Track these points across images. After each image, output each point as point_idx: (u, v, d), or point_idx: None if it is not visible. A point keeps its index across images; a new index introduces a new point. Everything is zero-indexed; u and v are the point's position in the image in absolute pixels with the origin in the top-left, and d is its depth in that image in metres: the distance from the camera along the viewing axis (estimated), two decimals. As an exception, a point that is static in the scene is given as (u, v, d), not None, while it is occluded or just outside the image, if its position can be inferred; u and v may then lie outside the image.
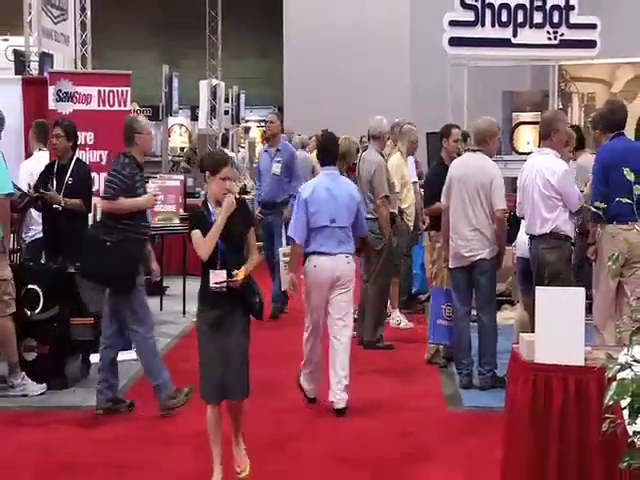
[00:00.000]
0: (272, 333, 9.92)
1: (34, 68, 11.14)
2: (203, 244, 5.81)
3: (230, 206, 5.83)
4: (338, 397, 7.46)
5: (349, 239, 7.67)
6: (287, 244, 10.10)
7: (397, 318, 10.84)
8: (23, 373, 7.98)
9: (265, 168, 11.53)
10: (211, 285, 5.76)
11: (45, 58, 11.13)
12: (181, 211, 11.51)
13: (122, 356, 8.04)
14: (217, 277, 5.76)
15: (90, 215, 8.72)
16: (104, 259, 7.30)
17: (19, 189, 8.41)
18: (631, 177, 3.85)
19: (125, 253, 7.34)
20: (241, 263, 5.87)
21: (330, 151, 7.99)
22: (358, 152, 10.54)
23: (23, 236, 9.06)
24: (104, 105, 9.31)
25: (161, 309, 11.58)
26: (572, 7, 10.93)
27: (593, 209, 3.86)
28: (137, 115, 10.45)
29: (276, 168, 11.22)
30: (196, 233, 5.85)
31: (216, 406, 5.83)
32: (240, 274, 5.77)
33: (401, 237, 10.37)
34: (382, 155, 9.92)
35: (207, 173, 5.95)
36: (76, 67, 12.93)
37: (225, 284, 5.74)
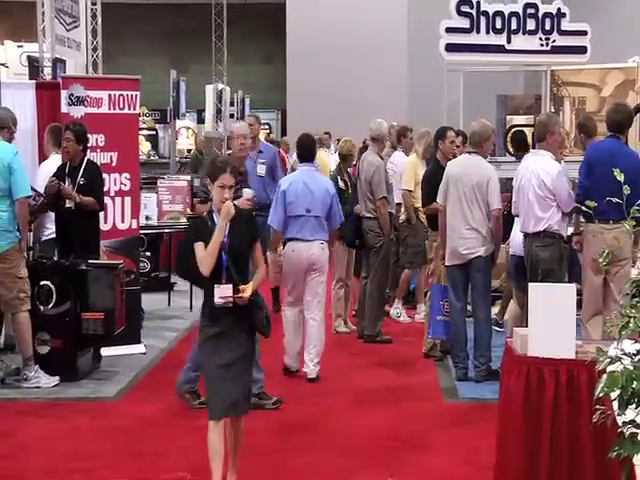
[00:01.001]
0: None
1: (47, 73, 11.12)
2: (204, 259, 5.31)
3: (227, 214, 5.30)
4: (311, 369, 8.19)
5: (323, 228, 8.27)
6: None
7: (398, 309, 10.81)
8: (37, 366, 7.99)
9: (251, 170, 11.15)
10: (216, 300, 5.29)
11: (58, 63, 11.11)
12: (188, 210, 11.50)
13: (131, 349, 8.05)
14: (223, 292, 5.29)
15: (101, 214, 8.73)
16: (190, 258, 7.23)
17: (34, 190, 8.42)
18: (621, 178, 3.84)
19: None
20: (247, 277, 5.43)
21: (307, 150, 8.72)
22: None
23: (40, 235, 9.07)
24: (114, 109, 9.30)
25: (169, 304, 11.59)
26: (563, 15, 10.90)
27: (584, 208, 3.84)
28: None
29: (260, 169, 10.73)
30: (198, 246, 5.33)
31: (220, 422, 5.36)
32: (247, 290, 5.30)
33: (417, 235, 10.32)
34: (381, 157, 9.91)
35: (208, 180, 5.52)
36: (87, 72, 12.90)
37: (231, 299, 5.29)
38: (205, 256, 5.30)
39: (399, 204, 10.75)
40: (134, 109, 9.48)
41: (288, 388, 7.80)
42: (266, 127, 26.03)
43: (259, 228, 5.79)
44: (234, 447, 5.52)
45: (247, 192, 7.31)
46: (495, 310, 9.63)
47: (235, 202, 5.52)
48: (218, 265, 5.30)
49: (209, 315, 5.40)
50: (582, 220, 7.71)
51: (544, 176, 7.71)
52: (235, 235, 5.36)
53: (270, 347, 9.10)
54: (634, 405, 3.23)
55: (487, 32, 10.79)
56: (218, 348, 5.34)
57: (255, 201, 10.77)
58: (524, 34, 10.88)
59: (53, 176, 8.55)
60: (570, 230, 8.08)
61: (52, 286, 8.16)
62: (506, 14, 10.85)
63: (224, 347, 5.33)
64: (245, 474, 5.91)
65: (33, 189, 8.35)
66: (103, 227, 8.95)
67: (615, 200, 3.92)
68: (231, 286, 5.28)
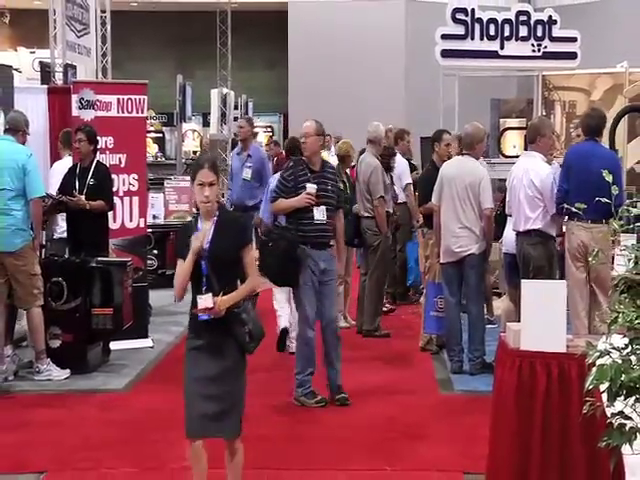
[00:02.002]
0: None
1: (59, 78, 11.13)
2: (175, 281, 4.79)
3: (197, 250, 4.68)
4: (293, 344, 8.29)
5: None
6: (256, 248, 10.05)
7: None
8: (49, 359, 7.99)
9: (236, 171, 10.96)
10: (197, 311, 4.75)
11: (69, 69, 11.12)
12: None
13: (139, 344, 8.04)
14: (202, 303, 4.70)
15: (110, 214, 8.73)
16: (266, 259, 7.19)
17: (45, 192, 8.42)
18: (609, 178, 3.83)
19: (278, 253, 7.17)
20: (233, 286, 4.79)
21: (295, 152, 8.80)
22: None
23: (52, 233, 9.07)
24: (123, 112, 9.30)
25: (175, 300, 11.55)
26: (554, 22, 10.91)
27: (574, 209, 3.84)
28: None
29: (246, 174, 10.65)
30: (179, 262, 4.79)
31: (196, 443, 4.84)
32: (222, 303, 4.68)
33: None
34: (378, 158, 9.90)
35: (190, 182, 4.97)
36: (97, 77, 12.91)
37: (210, 311, 4.71)
38: (176, 277, 4.80)
39: (400, 204, 10.76)
40: (142, 112, 9.48)
41: (289, 380, 7.79)
42: (269, 129, 26.03)
43: (248, 231, 5.18)
44: (230, 473, 5.03)
45: (310, 187, 7.18)
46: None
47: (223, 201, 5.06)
48: (198, 274, 4.74)
49: (192, 326, 4.91)
50: (565, 219, 7.72)
51: (533, 177, 7.73)
52: (219, 240, 4.75)
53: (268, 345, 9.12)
54: (622, 397, 3.22)
55: (481, 38, 10.81)
56: (197, 362, 4.81)
57: (236, 201, 10.74)
58: (517, 40, 10.91)
59: (64, 177, 8.56)
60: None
61: (63, 283, 8.16)
62: (499, 21, 10.87)
63: (203, 361, 4.79)
64: (245, 463, 5.91)
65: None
66: (112, 226, 8.95)
67: (604, 201, 3.90)
68: (211, 296, 4.69)
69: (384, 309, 10.47)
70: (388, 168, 10.20)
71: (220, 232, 4.75)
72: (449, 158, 8.93)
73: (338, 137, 14.56)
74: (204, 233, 4.74)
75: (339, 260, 7.60)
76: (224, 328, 4.74)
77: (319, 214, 7.21)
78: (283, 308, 8.90)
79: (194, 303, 4.76)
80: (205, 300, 4.69)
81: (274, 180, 9.15)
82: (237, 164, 10.98)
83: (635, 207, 3.79)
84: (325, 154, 17.08)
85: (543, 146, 7.95)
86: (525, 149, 8.92)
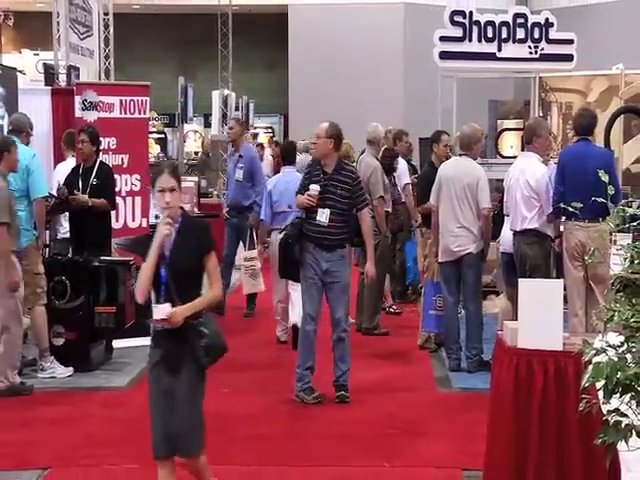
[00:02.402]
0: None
1: (62, 80, 11.13)
2: (137, 283, 4.52)
3: (162, 237, 4.43)
4: (285, 332, 9.05)
5: None
6: (249, 249, 10.10)
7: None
8: (52, 357, 7.99)
9: (231, 172, 10.91)
10: (151, 322, 4.48)
11: (72, 71, 11.13)
12: (196, 210, 11.50)
13: (141, 342, 8.02)
14: (159, 313, 4.40)
15: (112, 213, 8.73)
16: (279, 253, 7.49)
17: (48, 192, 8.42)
18: (605, 178, 3.83)
19: (282, 248, 7.35)
20: (195, 295, 4.50)
21: (290, 154, 9.43)
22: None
23: (55, 233, 9.07)
24: (125, 113, 9.31)
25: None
26: (551, 24, 10.91)
27: (571, 209, 3.84)
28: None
29: (239, 175, 10.52)
30: (142, 267, 4.53)
31: (165, 461, 4.56)
32: (177, 314, 4.39)
33: None
34: (377, 159, 9.89)
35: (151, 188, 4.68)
36: (100, 79, 12.91)
37: (165, 322, 4.41)
38: (138, 281, 4.52)
39: (400, 203, 10.77)
40: (144, 114, 9.49)
41: (287, 377, 7.79)
42: (269, 130, 26.03)
43: (210, 237, 4.72)
44: None
45: (312, 188, 7.18)
46: (486, 304, 9.62)
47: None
48: (157, 282, 4.45)
49: (153, 337, 4.62)
50: (562, 218, 7.72)
51: (529, 177, 7.73)
52: (180, 247, 4.48)
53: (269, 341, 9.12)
54: (618, 394, 3.22)
55: (479, 41, 10.80)
56: (157, 377, 4.54)
57: (231, 202, 10.72)
58: (514, 42, 10.89)
59: (67, 177, 8.56)
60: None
61: (67, 281, 8.16)
62: (497, 24, 10.86)
63: (162, 376, 4.51)
64: (245, 460, 5.93)
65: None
66: (115, 225, 8.95)
67: (600, 200, 3.90)
68: (168, 306, 4.39)
69: (391, 310, 10.46)
70: (390, 169, 10.21)
71: (182, 239, 4.49)
72: (447, 159, 8.93)
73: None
74: (163, 235, 4.45)
75: (369, 259, 7.57)
76: (181, 340, 4.46)
77: (321, 216, 7.19)
78: (295, 304, 8.89)
79: (151, 313, 4.46)
80: (161, 310, 4.39)
81: (273, 181, 9.30)
82: (231, 166, 10.98)
83: (630, 207, 3.78)
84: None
85: (539, 146, 7.95)
86: (522, 150, 8.92)
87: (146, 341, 8.40)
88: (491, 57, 10.86)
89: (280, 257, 7.51)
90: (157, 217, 11.08)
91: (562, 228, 7.79)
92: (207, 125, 23.52)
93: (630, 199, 8.13)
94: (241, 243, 10.48)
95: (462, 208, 8.12)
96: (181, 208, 4.59)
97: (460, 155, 8.40)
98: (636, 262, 3.40)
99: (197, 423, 4.57)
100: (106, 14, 13.34)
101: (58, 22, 11.45)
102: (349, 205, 7.27)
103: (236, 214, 10.61)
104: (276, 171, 13.03)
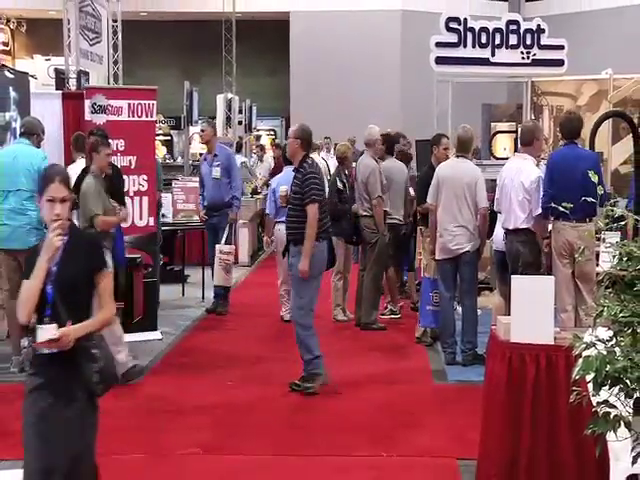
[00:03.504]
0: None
1: (72, 84, 11.14)
2: (19, 301, 3.83)
3: (50, 248, 3.78)
4: (288, 312, 8.99)
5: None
6: (226, 243, 10.23)
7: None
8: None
9: (206, 174, 10.68)
10: (36, 345, 3.78)
11: (82, 75, 11.13)
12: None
13: (148, 336, 8.02)
14: (44, 334, 3.72)
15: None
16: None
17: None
18: (595, 179, 3.82)
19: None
20: (86, 316, 3.87)
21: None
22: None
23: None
24: (133, 116, 9.29)
25: (183, 295, 11.58)
26: (543, 30, 10.90)
27: (561, 209, 3.83)
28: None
29: (216, 172, 10.44)
30: (23, 284, 3.84)
31: None
32: (70, 333, 3.74)
33: None
34: (375, 160, 9.88)
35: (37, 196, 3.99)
36: (109, 83, 12.92)
37: (53, 344, 3.73)
38: (20, 299, 3.84)
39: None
40: (151, 117, 9.47)
41: (289, 370, 7.79)
42: (271, 133, 26.02)
43: (103, 254, 4.14)
44: None
45: (282, 188, 7.34)
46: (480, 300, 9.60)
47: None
48: (42, 300, 3.80)
49: (33, 362, 3.91)
50: (551, 219, 7.70)
51: (524, 179, 7.70)
52: (69, 262, 3.84)
53: (267, 337, 9.08)
54: (607, 387, 3.22)
55: (473, 46, 10.79)
56: (36, 406, 3.83)
57: (210, 202, 10.58)
58: (507, 48, 10.88)
59: (77, 178, 8.52)
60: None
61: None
62: (490, 30, 10.84)
63: (43, 403, 3.82)
64: (247, 450, 5.92)
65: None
66: (122, 224, 8.92)
67: (590, 200, 3.89)
68: (56, 326, 3.73)
69: (392, 316, 10.40)
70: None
71: (70, 254, 3.84)
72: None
73: (352, 139, 14.45)
74: (54, 248, 3.82)
75: (304, 256, 7.18)
76: (70, 364, 3.81)
77: (285, 213, 7.52)
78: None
79: (34, 336, 3.78)
80: (47, 331, 3.72)
81: (277, 179, 9.43)
82: (206, 168, 10.70)
83: (615, 206, 3.77)
84: (324, 155, 17.14)
85: (537, 148, 7.96)
86: (515, 151, 8.90)
87: (153, 335, 8.48)
88: (485, 62, 10.85)
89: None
90: (163, 216, 11.15)
91: (550, 227, 7.77)
92: (212, 128, 23.48)
93: (616, 199, 8.11)
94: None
95: (461, 208, 8.12)
96: (69, 220, 3.95)
97: (457, 156, 8.39)
98: (624, 259, 3.39)
99: (90, 462, 4.02)
100: (115, 21, 13.35)
101: (69, 29, 11.46)
102: (300, 200, 7.24)
103: (214, 214, 10.53)
104: (277, 171, 13.03)
